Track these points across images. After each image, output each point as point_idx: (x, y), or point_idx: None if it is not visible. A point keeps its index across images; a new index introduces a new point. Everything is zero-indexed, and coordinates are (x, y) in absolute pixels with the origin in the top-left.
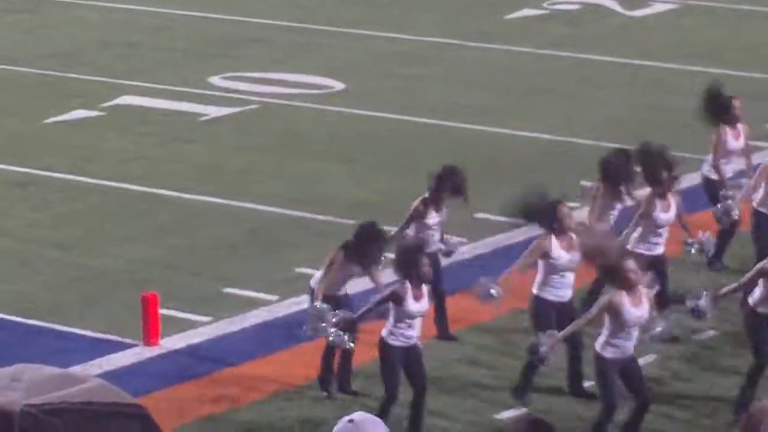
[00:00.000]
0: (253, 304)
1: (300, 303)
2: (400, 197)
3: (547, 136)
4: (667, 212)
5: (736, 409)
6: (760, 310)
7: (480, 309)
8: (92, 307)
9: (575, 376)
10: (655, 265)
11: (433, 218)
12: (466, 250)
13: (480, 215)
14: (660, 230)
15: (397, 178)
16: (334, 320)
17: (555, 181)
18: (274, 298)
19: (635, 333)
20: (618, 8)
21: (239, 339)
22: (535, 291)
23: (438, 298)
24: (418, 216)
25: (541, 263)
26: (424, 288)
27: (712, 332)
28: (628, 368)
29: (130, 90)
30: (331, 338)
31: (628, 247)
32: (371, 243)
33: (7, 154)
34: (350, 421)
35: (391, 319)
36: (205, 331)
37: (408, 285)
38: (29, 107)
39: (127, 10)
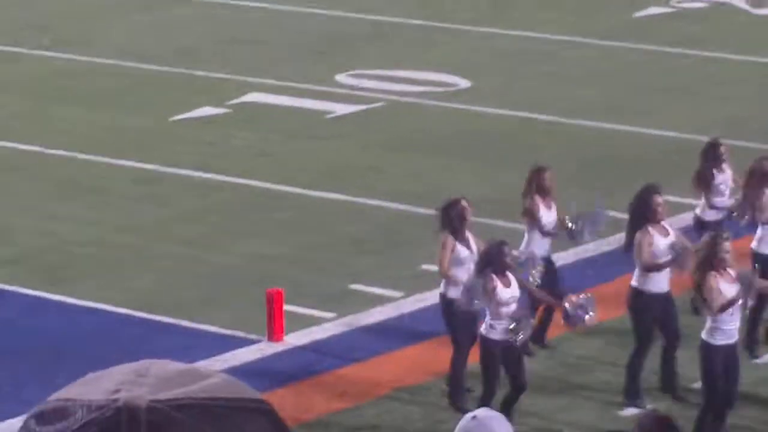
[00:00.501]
0: (378, 300)
1: (425, 299)
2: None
3: (673, 134)
4: None
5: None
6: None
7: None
8: (217, 304)
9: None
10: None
11: (545, 216)
12: (593, 247)
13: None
14: None
15: (522, 175)
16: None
17: (682, 178)
18: (399, 294)
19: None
20: (746, 6)
21: (364, 336)
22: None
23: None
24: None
25: None
26: (510, 276)
27: None
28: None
29: (256, 87)
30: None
31: None
32: None
33: (133, 151)
34: (473, 417)
35: (487, 314)
36: (330, 327)
37: (492, 275)
38: (156, 104)
39: (253, 8)
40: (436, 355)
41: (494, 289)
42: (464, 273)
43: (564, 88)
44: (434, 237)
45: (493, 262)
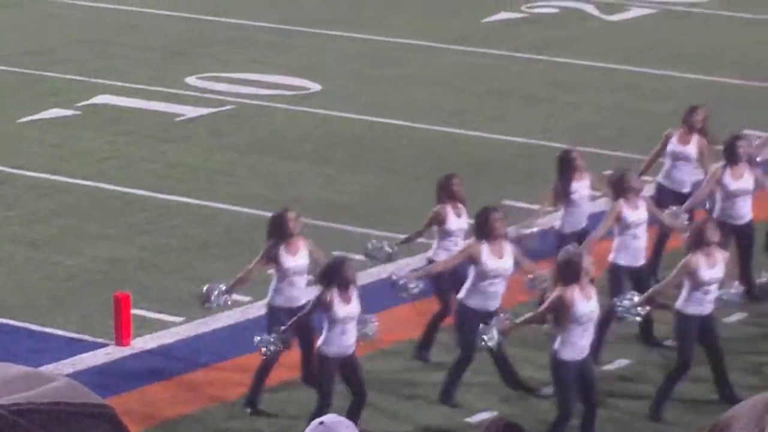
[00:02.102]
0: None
1: None
2: (375, 199)
3: (522, 140)
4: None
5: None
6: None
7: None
8: (65, 307)
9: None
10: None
11: (453, 224)
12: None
13: None
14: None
15: (372, 179)
16: None
17: (529, 184)
18: (247, 299)
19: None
20: (596, 12)
21: (211, 340)
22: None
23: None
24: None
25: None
26: (351, 292)
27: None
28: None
29: (106, 89)
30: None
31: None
32: None
33: None
34: (321, 423)
35: (324, 328)
36: (177, 331)
37: (334, 290)
38: (4, 106)
39: (103, 9)
40: (284, 358)
41: (332, 303)
42: (288, 284)
43: (414, 92)
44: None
45: (335, 277)
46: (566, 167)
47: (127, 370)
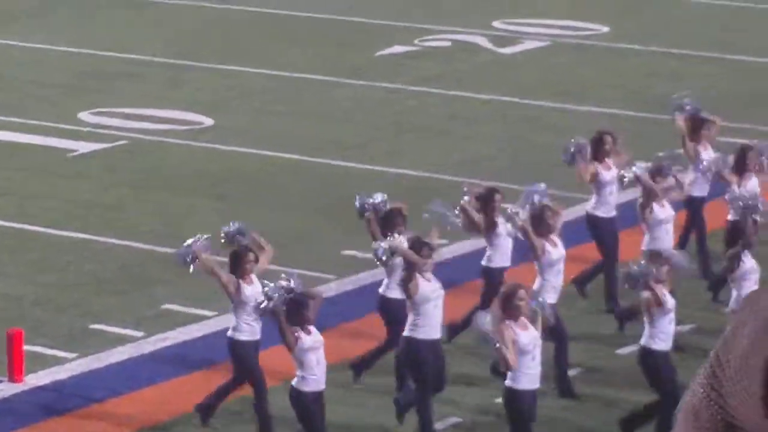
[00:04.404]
0: (120, 340)
1: (166, 339)
2: (269, 233)
3: (416, 173)
4: None
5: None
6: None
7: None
8: None
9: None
10: None
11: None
12: (335, 287)
13: (347, 252)
14: None
15: (266, 214)
16: None
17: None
18: (141, 334)
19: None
20: (489, 45)
21: (105, 375)
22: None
23: None
24: None
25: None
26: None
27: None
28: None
29: (3, 125)
30: None
31: None
32: None
33: None
34: None
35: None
36: (71, 367)
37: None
38: None
39: (3, 45)
40: (177, 393)
41: (298, 339)
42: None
43: (308, 126)
44: (176, 276)
45: (295, 313)
46: (489, 205)
47: (20, 407)
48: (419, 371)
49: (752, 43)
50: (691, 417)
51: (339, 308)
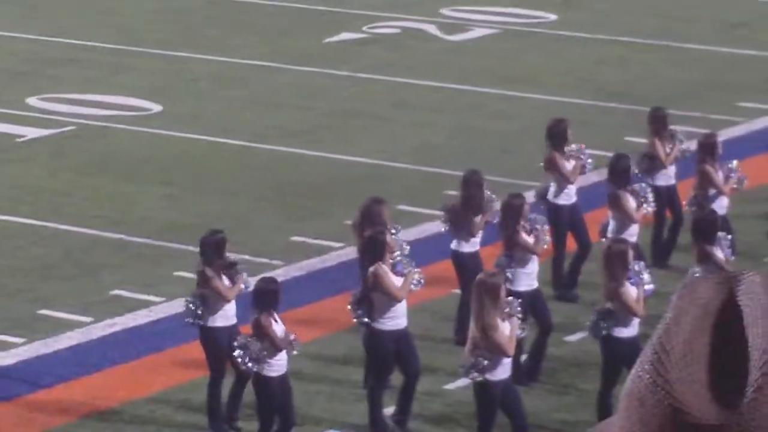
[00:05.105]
0: (68, 325)
1: (115, 324)
2: (217, 219)
3: (364, 160)
4: None
5: None
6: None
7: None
8: None
9: None
10: None
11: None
12: (282, 272)
13: (295, 238)
14: None
15: (214, 200)
16: None
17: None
18: (89, 320)
19: None
20: (437, 33)
21: (53, 361)
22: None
23: None
24: None
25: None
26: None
27: None
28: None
29: None
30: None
31: None
32: None
33: None
34: None
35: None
36: (18, 353)
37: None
38: None
39: None
40: (126, 379)
41: (269, 326)
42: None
43: (256, 112)
44: (124, 261)
45: (263, 301)
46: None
47: None
48: (379, 360)
49: (698, 31)
50: (635, 403)
51: (287, 295)
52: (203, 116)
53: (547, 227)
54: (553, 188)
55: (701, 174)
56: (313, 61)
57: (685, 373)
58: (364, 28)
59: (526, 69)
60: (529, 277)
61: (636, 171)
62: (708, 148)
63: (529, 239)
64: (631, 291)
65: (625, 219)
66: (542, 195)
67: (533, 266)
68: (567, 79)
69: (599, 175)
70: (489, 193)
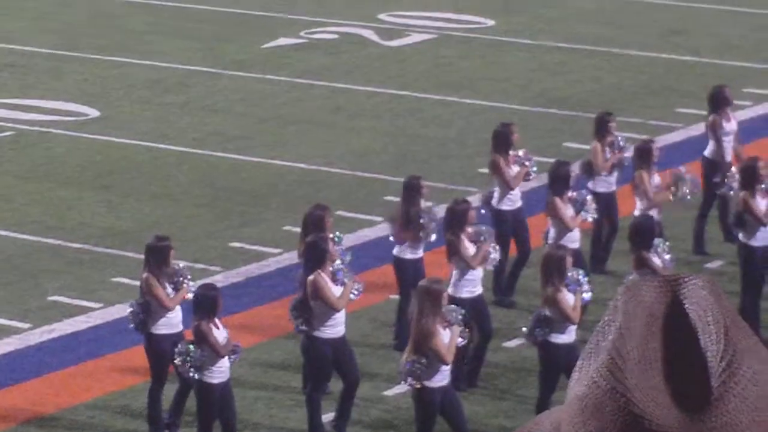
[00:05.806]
0: (5, 332)
1: (53, 331)
2: (155, 225)
3: (301, 165)
4: None
5: None
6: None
7: None
8: None
9: None
10: None
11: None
12: (221, 278)
13: (234, 244)
14: None
15: (152, 205)
16: None
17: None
18: (27, 326)
19: None
20: (375, 38)
21: None
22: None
23: None
24: None
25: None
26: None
27: None
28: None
29: None
30: None
31: None
32: None
33: None
34: None
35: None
36: None
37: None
38: None
39: None
40: (64, 385)
41: (210, 332)
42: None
43: (194, 118)
44: (63, 267)
45: (203, 307)
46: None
47: None
48: (317, 367)
49: (637, 38)
50: (590, 409)
51: (225, 301)
52: (142, 122)
53: (492, 243)
54: (496, 193)
55: (637, 181)
56: (251, 66)
57: (642, 379)
58: (302, 34)
59: (464, 74)
60: (471, 284)
61: (580, 174)
62: (644, 154)
63: (471, 248)
64: (568, 297)
65: (561, 226)
66: (487, 200)
67: (477, 272)
68: (505, 85)
69: (540, 181)
70: (429, 204)
